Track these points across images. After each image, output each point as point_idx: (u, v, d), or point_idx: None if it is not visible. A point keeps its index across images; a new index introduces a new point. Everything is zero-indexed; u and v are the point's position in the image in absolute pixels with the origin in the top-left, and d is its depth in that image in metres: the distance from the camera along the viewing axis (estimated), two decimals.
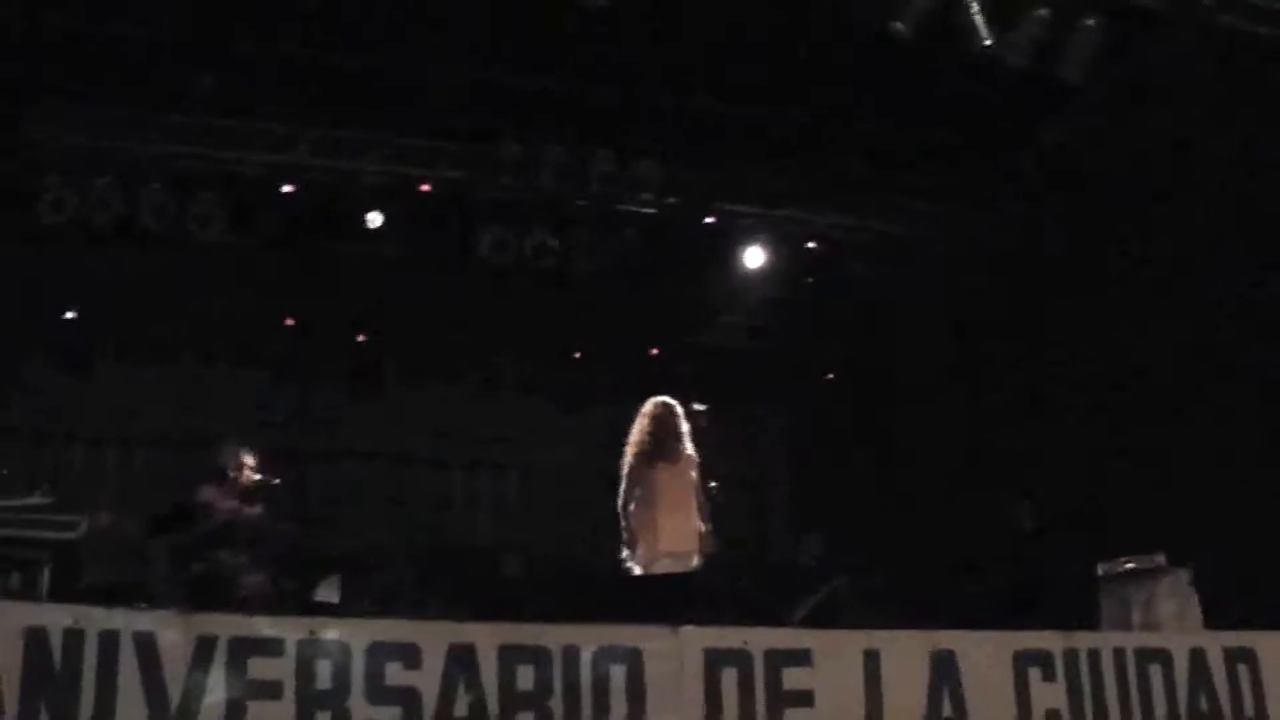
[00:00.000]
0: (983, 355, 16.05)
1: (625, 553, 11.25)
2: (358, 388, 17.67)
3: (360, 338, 17.40)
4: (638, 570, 11.11)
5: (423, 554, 15.36)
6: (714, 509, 11.28)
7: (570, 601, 10.25)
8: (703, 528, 11.19)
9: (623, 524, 11.30)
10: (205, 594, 10.44)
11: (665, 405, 11.55)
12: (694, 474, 11.28)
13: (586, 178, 15.62)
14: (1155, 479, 13.01)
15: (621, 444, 11.44)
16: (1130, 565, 11.32)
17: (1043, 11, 12.03)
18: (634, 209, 16.23)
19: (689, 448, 11.38)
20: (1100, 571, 11.44)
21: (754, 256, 16.85)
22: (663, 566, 10.97)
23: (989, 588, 13.28)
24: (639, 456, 11.38)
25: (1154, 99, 13.69)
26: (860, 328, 17.82)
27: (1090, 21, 12.19)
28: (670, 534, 11.11)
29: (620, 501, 11.34)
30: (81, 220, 14.72)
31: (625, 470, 11.41)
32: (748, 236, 16.83)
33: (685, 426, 11.42)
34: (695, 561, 11.11)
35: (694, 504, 11.21)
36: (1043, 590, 12.68)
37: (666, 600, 9.69)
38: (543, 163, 15.46)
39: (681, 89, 14.59)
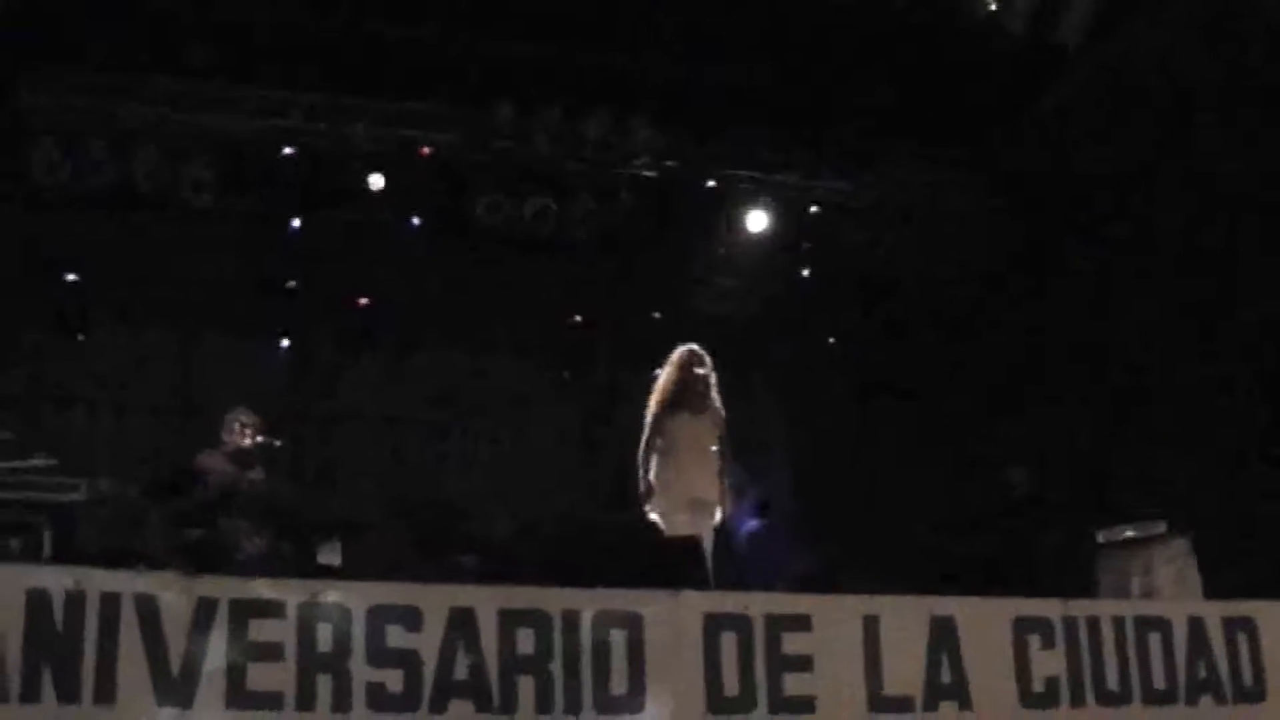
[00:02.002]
0: (983, 320, 16.04)
1: (645, 505, 11.22)
2: (354, 351, 17.63)
3: (358, 301, 17.34)
4: (659, 519, 11.08)
5: (420, 516, 15.38)
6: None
7: (569, 564, 10.25)
8: (723, 485, 11.16)
9: (641, 473, 11.27)
10: (205, 559, 10.44)
11: (693, 353, 11.48)
12: (719, 429, 11.23)
13: (582, 142, 15.59)
14: (1157, 446, 13.01)
15: (620, 405, 11.42)
16: (1130, 533, 11.32)
17: None
18: (631, 173, 16.21)
19: (716, 401, 11.33)
20: (1100, 539, 11.43)
21: (755, 220, 16.81)
22: (684, 518, 10.96)
23: (988, 553, 13.31)
24: (662, 405, 11.35)
25: (1153, 65, 13.66)
26: (859, 293, 17.79)
27: None
28: (693, 483, 11.11)
29: (641, 451, 11.29)
30: (75, 184, 14.69)
31: (648, 419, 11.37)
32: (747, 201, 16.80)
33: (713, 378, 11.37)
34: (718, 517, 11.09)
35: (716, 458, 11.16)
36: (1042, 556, 12.73)
37: (669, 563, 9.67)
38: (538, 127, 15.44)
39: (679, 53, 14.55)
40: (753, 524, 14.98)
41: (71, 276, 16.15)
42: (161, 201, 15.13)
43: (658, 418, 11.32)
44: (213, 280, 16.48)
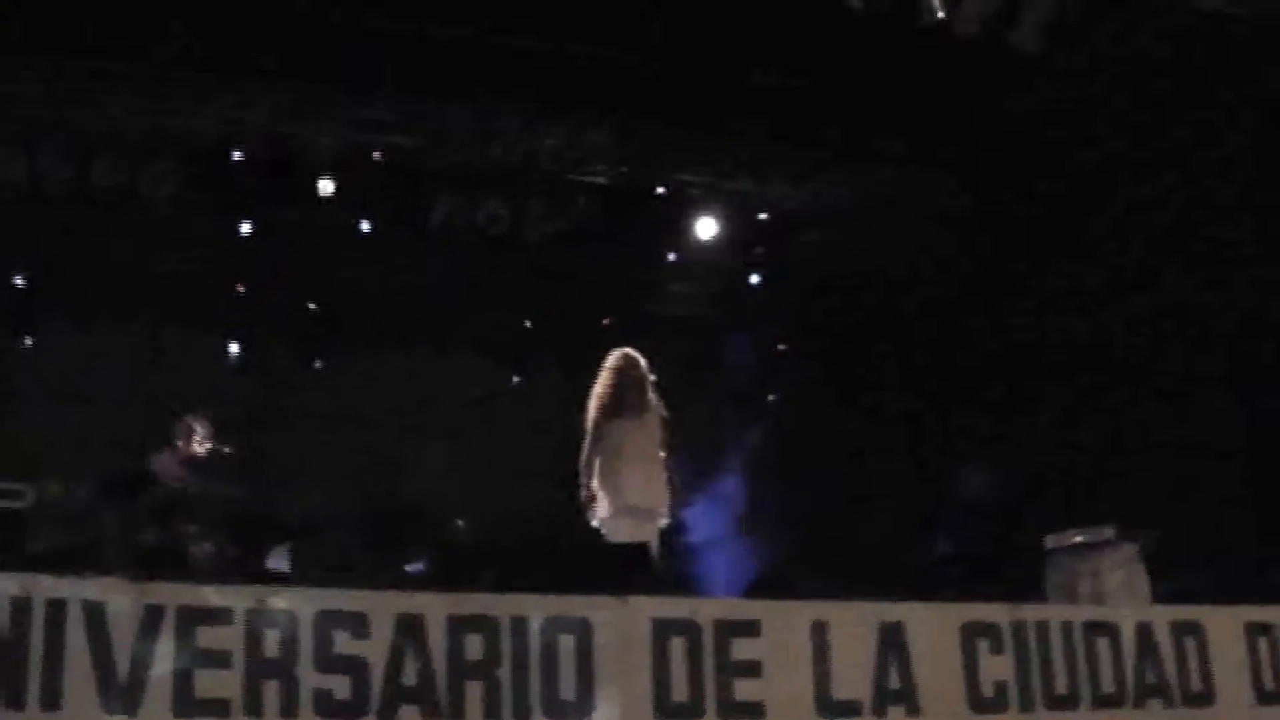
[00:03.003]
0: (938, 324, 16.09)
1: (588, 513, 11.20)
2: (310, 352, 17.61)
3: (312, 305, 17.32)
4: (601, 527, 11.07)
5: (374, 519, 15.38)
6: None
7: (521, 568, 10.25)
8: (668, 488, 11.14)
9: (582, 481, 11.24)
10: (156, 563, 10.42)
11: (627, 357, 11.46)
12: (661, 431, 11.21)
13: (537, 146, 15.59)
14: (1107, 452, 13.07)
15: (575, 408, 11.40)
16: (1079, 538, 11.36)
17: None
18: (585, 179, 16.25)
19: (656, 403, 11.32)
20: (1048, 544, 11.48)
21: (705, 227, 16.87)
22: (626, 525, 10.94)
23: (940, 557, 13.37)
24: (601, 410, 11.30)
25: (1112, 70, 13.72)
26: (811, 297, 17.83)
27: None
28: (634, 488, 11.05)
29: (583, 458, 11.26)
30: (33, 182, 14.63)
31: (589, 425, 11.34)
32: (698, 207, 16.86)
33: (650, 379, 11.36)
34: (663, 522, 11.08)
35: (660, 460, 11.13)
36: (991, 560, 12.79)
37: (619, 568, 9.67)
38: (494, 131, 15.45)
39: (633, 57, 14.54)
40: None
41: (24, 277, 16.07)
42: (119, 201, 15.08)
43: (597, 424, 11.27)
44: (170, 281, 16.50)
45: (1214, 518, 11.84)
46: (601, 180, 16.41)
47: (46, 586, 7.06)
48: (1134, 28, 12.98)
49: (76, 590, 7.11)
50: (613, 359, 11.49)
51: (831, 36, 13.55)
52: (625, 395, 11.25)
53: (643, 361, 11.42)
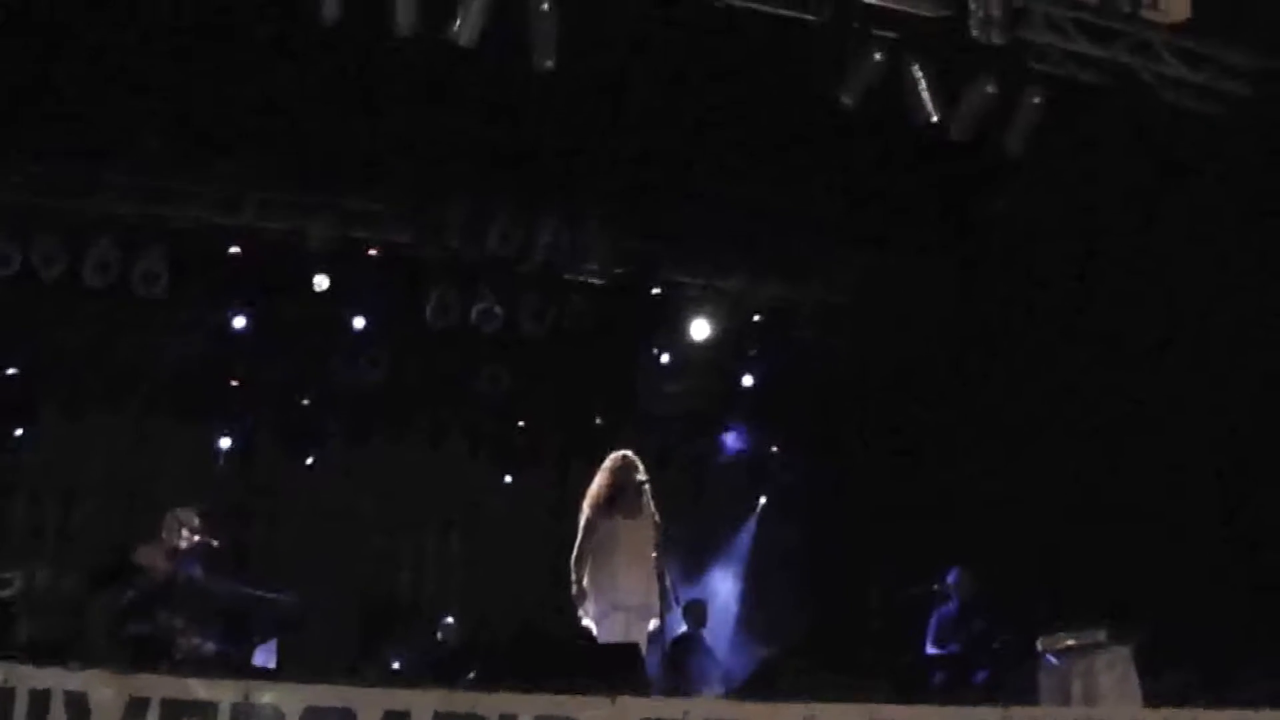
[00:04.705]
0: (928, 420, 16.07)
1: (579, 610, 11.18)
2: (301, 446, 17.57)
3: (304, 397, 17.31)
4: (591, 624, 11.06)
5: (362, 614, 15.31)
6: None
7: (510, 665, 10.18)
8: (659, 588, 11.08)
9: (573, 578, 11.24)
10: (143, 654, 10.32)
11: (626, 459, 11.52)
12: (654, 534, 11.16)
13: (532, 244, 15.64)
14: (1099, 552, 13.02)
15: (567, 506, 11.37)
16: (1071, 641, 11.31)
17: (989, 87, 12.14)
18: (579, 277, 16.32)
19: (650, 506, 11.29)
20: (1040, 646, 11.42)
21: (698, 328, 16.92)
22: (617, 623, 10.92)
23: (931, 656, 13.30)
24: (596, 509, 11.34)
25: (1095, 171, 13.81)
26: (803, 395, 17.84)
27: (1035, 100, 12.32)
28: (626, 587, 11.05)
29: (574, 555, 11.28)
30: (27, 274, 14.66)
31: (581, 523, 11.36)
32: (692, 307, 16.91)
33: (647, 482, 11.36)
34: (654, 623, 11.02)
35: (651, 560, 11.06)
36: (982, 661, 12.72)
37: (609, 667, 9.61)
38: (489, 228, 15.51)
39: (628, 158, 14.62)
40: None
41: (16, 367, 16.07)
42: (112, 293, 15.11)
43: (590, 521, 11.32)
44: (161, 372, 16.51)
45: (1203, 613, 11.76)
46: (596, 280, 16.45)
47: (30, 676, 7.02)
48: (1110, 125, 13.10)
49: (60, 681, 7.07)
50: (611, 460, 11.54)
51: (823, 137, 13.63)
52: (621, 495, 11.27)
53: (641, 465, 11.44)
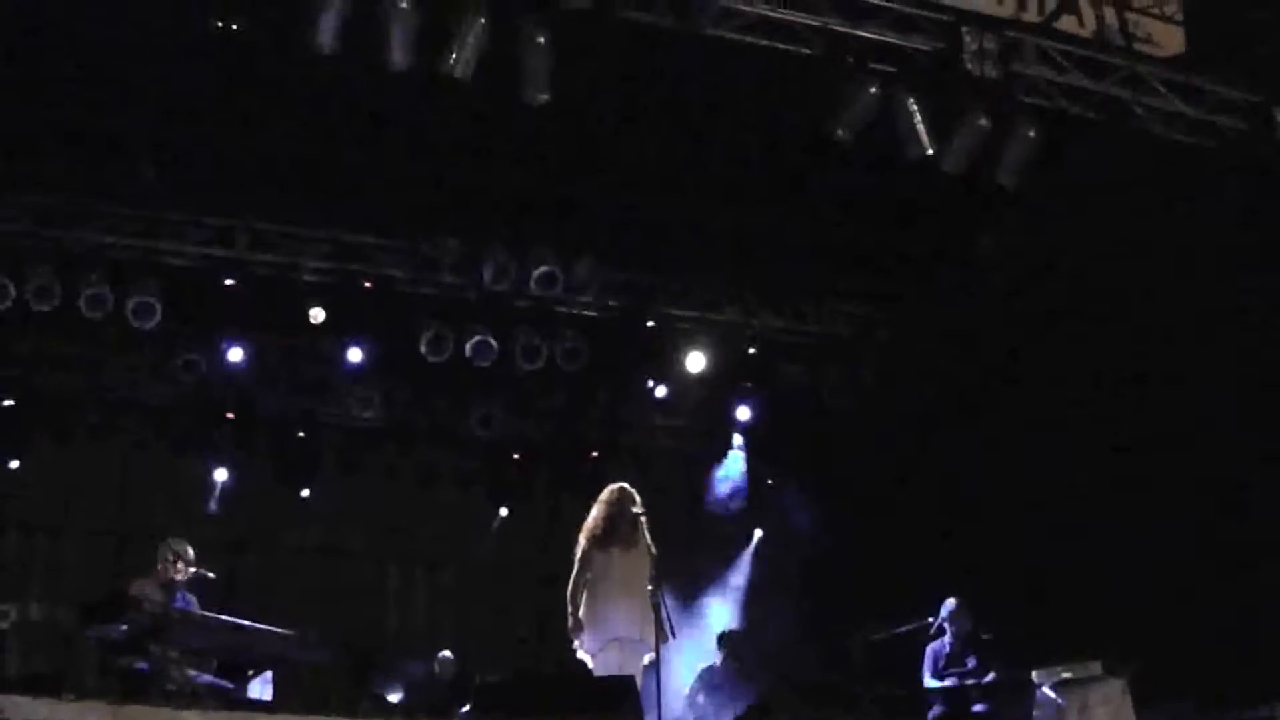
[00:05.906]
0: (922, 456, 16.07)
1: (575, 642, 11.16)
2: (295, 480, 17.54)
3: (298, 431, 17.30)
4: (587, 658, 11.03)
5: (357, 648, 15.27)
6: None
7: (505, 699, 10.16)
8: (655, 620, 11.02)
9: (569, 610, 11.23)
10: (136, 687, 10.29)
11: (623, 490, 11.52)
12: (650, 566, 11.11)
13: (525, 278, 15.66)
14: (1094, 584, 13.01)
15: (560, 540, 11.35)
16: (1066, 674, 11.30)
17: (982, 121, 12.15)
18: (574, 311, 16.34)
19: (647, 538, 11.27)
20: (1035, 679, 11.41)
21: (694, 361, 16.91)
22: (613, 656, 10.89)
23: (928, 689, 13.27)
24: (591, 540, 11.32)
25: (1089, 205, 13.84)
26: (801, 430, 17.84)
27: (1030, 132, 12.34)
28: (622, 619, 11.01)
29: (570, 588, 11.27)
30: (20, 307, 14.66)
31: (577, 555, 11.34)
32: (686, 340, 16.92)
33: (643, 516, 11.34)
34: (649, 656, 10.98)
35: (647, 593, 10.99)
36: (979, 694, 12.69)
37: (605, 701, 9.59)
38: (482, 262, 15.54)
39: (622, 191, 14.64)
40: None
41: (10, 400, 16.07)
42: (106, 326, 15.12)
43: (586, 554, 11.30)
44: (155, 405, 16.51)
45: (1198, 646, 11.76)
46: (590, 312, 16.47)
47: (24, 708, 7.01)
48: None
49: (53, 713, 7.08)
50: (608, 493, 11.53)
51: (817, 171, 13.67)
52: (617, 527, 11.25)
53: (638, 497, 11.43)
